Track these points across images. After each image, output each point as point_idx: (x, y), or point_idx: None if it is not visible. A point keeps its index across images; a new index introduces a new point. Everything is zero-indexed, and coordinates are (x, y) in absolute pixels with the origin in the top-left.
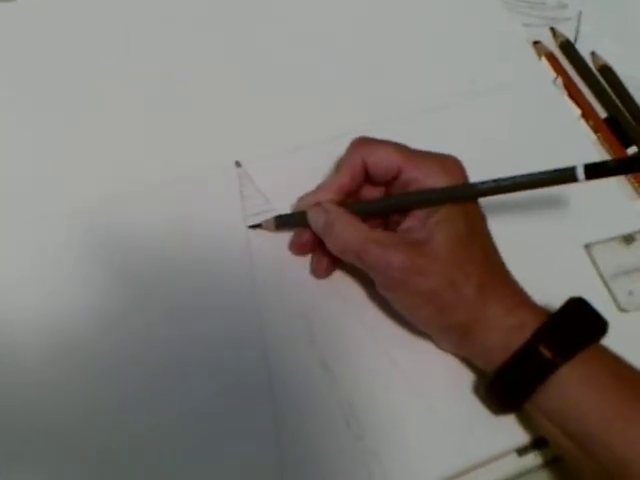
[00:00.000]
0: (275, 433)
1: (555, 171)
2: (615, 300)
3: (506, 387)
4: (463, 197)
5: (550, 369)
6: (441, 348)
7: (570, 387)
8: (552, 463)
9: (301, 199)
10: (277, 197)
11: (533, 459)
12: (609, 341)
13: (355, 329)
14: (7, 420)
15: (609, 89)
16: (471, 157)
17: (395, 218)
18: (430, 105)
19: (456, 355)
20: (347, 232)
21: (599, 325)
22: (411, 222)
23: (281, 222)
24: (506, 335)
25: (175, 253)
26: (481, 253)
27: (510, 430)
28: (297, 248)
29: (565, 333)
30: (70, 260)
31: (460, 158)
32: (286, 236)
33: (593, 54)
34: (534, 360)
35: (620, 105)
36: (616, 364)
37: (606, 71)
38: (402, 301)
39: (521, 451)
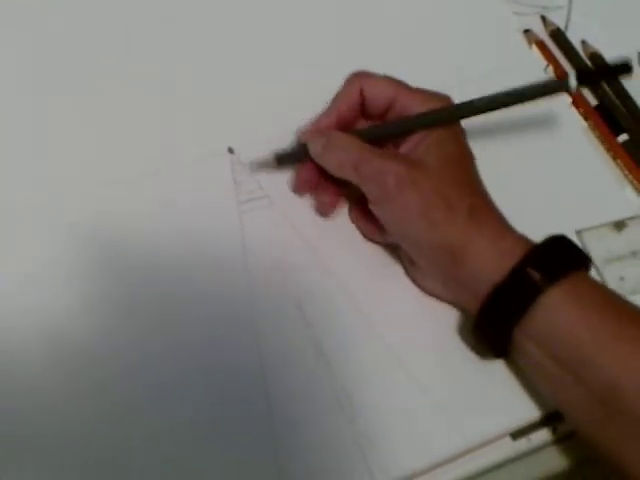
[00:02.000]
0: (268, 418)
1: (547, 82)
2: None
3: (496, 313)
4: (458, 116)
5: (538, 290)
6: (428, 287)
7: (559, 309)
8: (546, 447)
9: (300, 132)
10: (270, 183)
11: (527, 443)
12: None
13: (349, 313)
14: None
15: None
16: None
17: (390, 146)
18: None
19: (442, 298)
20: (346, 145)
21: (582, 257)
22: (405, 148)
23: (282, 158)
24: (495, 259)
25: (167, 240)
26: (472, 176)
27: (504, 413)
28: (299, 184)
29: (552, 258)
30: (61, 254)
31: None
32: (280, 219)
33: (583, 42)
34: (523, 282)
35: (610, 93)
36: (603, 289)
37: (596, 59)
38: (394, 215)
39: (515, 435)
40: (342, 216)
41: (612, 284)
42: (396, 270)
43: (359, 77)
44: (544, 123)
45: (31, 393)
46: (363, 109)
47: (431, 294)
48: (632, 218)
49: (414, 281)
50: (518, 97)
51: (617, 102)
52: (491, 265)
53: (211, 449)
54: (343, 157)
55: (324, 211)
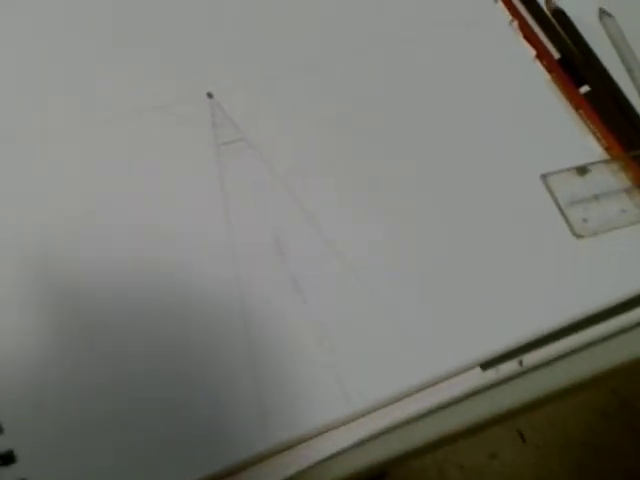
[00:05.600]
0: (248, 353)
1: None
2: (571, 227)
3: None
4: None
5: None
6: None
7: None
8: (516, 377)
9: None
10: (248, 126)
11: (496, 373)
12: (567, 266)
13: (325, 251)
14: None
15: (562, 31)
16: (429, 94)
17: None
18: (387, 43)
19: None
20: None
21: None
22: None
23: None
24: None
25: (144, 182)
26: None
27: (474, 344)
28: None
29: None
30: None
31: (419, 95)
32: (258, 160)
33: None
34: None
35: (572, 46)
36: None
37: (559, 14)
38: None
39: (485, 365)
40: (317, 155)
41: (576, 225)
42: (375, 211)
43: None
44: (509, 76)
45: None
46: None
47: None
48: (594, 163)
49: None
50: None
51: (579, 55)
52: None
53: (192, 381)
54: None
55: None
